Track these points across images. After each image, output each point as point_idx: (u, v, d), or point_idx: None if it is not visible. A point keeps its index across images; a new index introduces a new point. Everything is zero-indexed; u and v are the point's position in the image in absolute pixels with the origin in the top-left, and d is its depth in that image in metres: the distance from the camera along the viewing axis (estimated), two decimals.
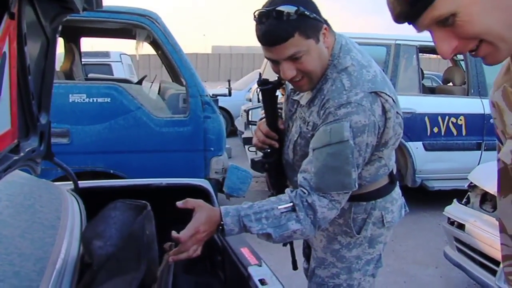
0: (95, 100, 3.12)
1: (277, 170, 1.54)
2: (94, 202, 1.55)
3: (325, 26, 1.26)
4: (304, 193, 1.22)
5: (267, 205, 1.24)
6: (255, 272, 1.24)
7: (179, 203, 1.29)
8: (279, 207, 1.22)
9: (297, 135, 1.41)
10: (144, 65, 11.49)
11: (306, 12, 1.18)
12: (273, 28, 1.17)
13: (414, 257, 3.58)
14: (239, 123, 6.87)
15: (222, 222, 1.21)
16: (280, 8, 1.15)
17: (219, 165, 3.36)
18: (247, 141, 4.83)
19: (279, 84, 1.44)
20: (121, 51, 8.34)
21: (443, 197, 3.04)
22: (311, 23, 1.21)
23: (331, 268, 1.51)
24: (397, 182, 1.54)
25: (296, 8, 1.16)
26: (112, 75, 7.18)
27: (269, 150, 1.51)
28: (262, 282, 1.20)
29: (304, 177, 1.24)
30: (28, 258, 0.98)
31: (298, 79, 1.28)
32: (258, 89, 1.47)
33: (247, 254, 1.35)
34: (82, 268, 1.10)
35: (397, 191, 1.52)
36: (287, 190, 1.28)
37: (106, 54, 7.75)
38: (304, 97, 1.41)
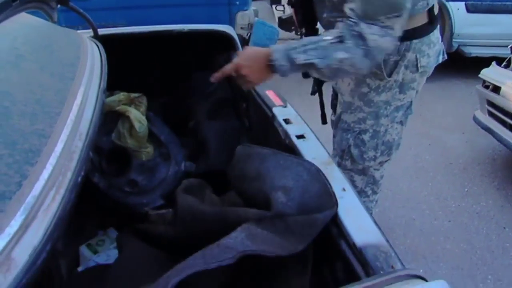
0: None
1: (304, 4, 1.42)
2: (114, 49, 1.50)
3: None
4: (352, 23, 1.10)
5: (314, 38, 1.15)
6: (280, 112, 1.22)
7: (216, 75, 1.23)
8: (326, 38, 1.12)
9: None
10: None
11: None
12: None
13: (441, 122, 3.54)
14: None
15: (270, 58, 1.13)
16: None
17: (244, 20, 3.18)
18: (275, 0, 4.55)
19: None
20: None
21: (480, 65, 2.85)
22: None
23: (358, 112, 1.46)
24: (438, 25, 1.41)
25: None
26: None
27: None
28: (287, 121, 1.18)
29: (350, 7, 1.11)
30: (48, 89, 0.96)
31: None
32: None
33: (272, 96, 1.32)
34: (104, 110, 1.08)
35: (436, 35, 1.39)
36: (337, 25, 1.16)
37: None
38: None
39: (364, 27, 1.08)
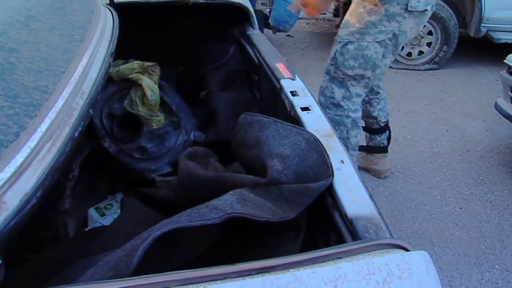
0: None
1: None
2: (129, 18, 1.51)
3: None
4: None
5: None
6: (288, 84, 1.21)
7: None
8: None
9: None
10: None
11: None
12: None
13: (462, 108, 3.46)
14: None
15: None
16: None
17: None
18: None
19: None
20: None
21: (507, 52, 2.75)
22: None
23: (350, 27, 1.93)
24: None
25: None
26: None
27: None
28: (293, 93, 1.17)
29: None
30: (55, 48, 0.98)
31: None
32: None
33: (282, 69, 1.31)
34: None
35: None
36: None
37: None
38: None
39: None
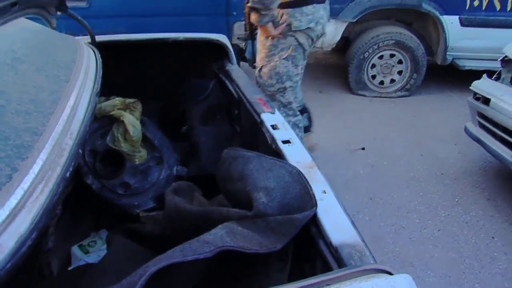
0: None
1: None
2: (111, 56, 1.55)
3: None
4: None
5: None
6: (268, 118, 1.26)
7: None
8: None
9: None
10: None
11: None
12: None
13: (434, 133, 3.58)
14: None
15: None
16: None
17: (241, 30, 3.25)
18: None
19: None
20: None
21: (473, 78, 2.91)
22: None
23: (260, 54, 2.38)
24: (314, 4, 2.27)
25: None
26: None
27: None
28: (274, 127, 1.22)
29: None
30: (43, 90, 1.00)
31: None
32: None
33: (261, 103, 1.36)
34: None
35: (309, 9, 2.26)
36: None
37: None
38: None
39: None
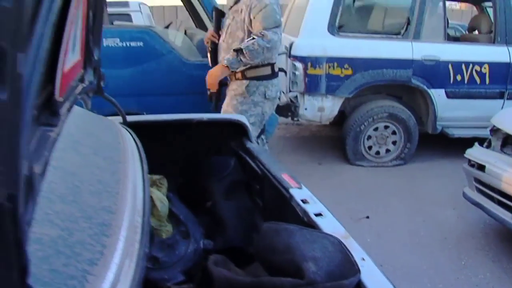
0: (128, 44, 3.20)
1: (215, 54, 2.95)
2: (140, 135, 1.67)
3: None
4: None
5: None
6: (297, 193, 1.36)
7: None
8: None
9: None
10: (159, 16, 11.45)
11: None
12: None
13: (432, 199, 3.71)
14: None
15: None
16: None
17: None
18: None
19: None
20: (139, 1, 8.24)
21: (463, 145, 3.11)
22: None
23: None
24: (278, 76, 2.91)
25: None
26: None
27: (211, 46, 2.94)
28: (304, 201, 1.32)
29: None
30: (104, 170, 1.11)
31: None
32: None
33: (287, 179, 1.47)
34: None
35: (276, 81, 2.87)
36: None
37: (125, 4, 7.68)
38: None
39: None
